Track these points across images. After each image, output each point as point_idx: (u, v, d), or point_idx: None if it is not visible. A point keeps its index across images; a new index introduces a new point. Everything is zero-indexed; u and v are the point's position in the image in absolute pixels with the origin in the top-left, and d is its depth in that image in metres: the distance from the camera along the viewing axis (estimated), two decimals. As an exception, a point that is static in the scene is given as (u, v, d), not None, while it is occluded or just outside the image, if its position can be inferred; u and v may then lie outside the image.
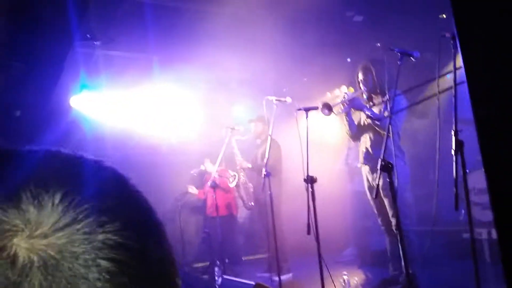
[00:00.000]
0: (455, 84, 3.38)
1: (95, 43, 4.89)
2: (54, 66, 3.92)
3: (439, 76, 3.56)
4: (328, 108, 4.12)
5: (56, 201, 0.41)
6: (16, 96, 4.07)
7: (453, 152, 3.08)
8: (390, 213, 4.04)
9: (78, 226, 0.40)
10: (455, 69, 3.55)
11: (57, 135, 6.39)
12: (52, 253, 0.39)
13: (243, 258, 6.48)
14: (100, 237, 0.41)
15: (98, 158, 0.51)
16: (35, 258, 0.38)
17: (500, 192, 2.02)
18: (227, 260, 5.37)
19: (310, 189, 3.88)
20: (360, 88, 4.38)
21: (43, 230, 0.39)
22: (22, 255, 0.38)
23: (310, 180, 3.89)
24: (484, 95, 2.12)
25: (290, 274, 5.39)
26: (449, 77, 3.64)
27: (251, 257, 6.66)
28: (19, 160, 0.46)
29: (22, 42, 3.45)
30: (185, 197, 6.64)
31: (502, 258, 2.01)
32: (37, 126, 5.47)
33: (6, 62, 3.60)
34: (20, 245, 0.39)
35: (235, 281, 3.81)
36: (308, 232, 3.76)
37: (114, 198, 0.45)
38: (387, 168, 3.24)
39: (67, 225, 0.40)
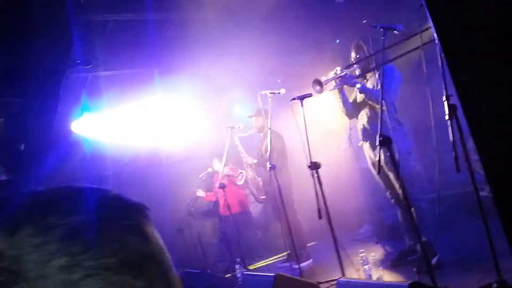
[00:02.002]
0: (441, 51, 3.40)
1: (86, 67, 4.99)
2: (50, 96, 4.02)
3: (423, 44, 3.58)
4: (318, 84, 4.15)
5: None
6: (18, 130, 4.18)
7: (447, 117, 3.13)
8: (396, 185, 4.08)
9: None
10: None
11: (58, 157, 6.50)
12: None
13: (261, 252, 6.56)
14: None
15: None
16: None
17: (489, 152, 2.07)
18: (246, 258, 5.46)
19: (315, 175, 3.95)
20: (353, 66, 4.44)
21: None
22: None
23: (314, 166, 3.96)
24: (461, 61, 2.15)
25: (310, 260, 5.45)
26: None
27: (269, 249, 6.71)
28: None
29: (17, 78, 3.55)
30: (196, 202, 6.73)
31: (500, 216, 2.06)
32: (40, 154, 5.59)
33: (5, 99, 3.71)
34: None
35: (255, 275, 3.88)
36: (320, 217, 3.84)
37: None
38: (386, 143, 3.29)
39: None
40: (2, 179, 5.26)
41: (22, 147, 4.53)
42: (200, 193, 6.54)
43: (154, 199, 7.18)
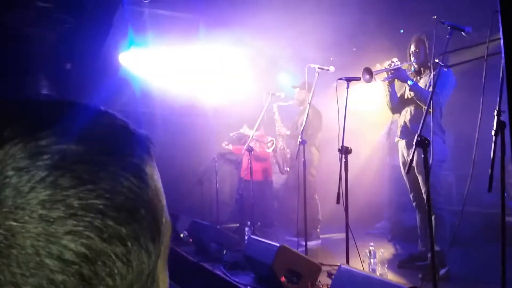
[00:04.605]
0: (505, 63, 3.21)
1: (143, 0, 4.99)
2: (103, 21, 4.06)
3: (488, 55, 3.39)
4: (369, 73, 4.02)
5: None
6: (67, 50, 4.27)
7: (493, 133, 2.99)
8: (423, 190, 3.98)
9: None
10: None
11: (108, 90, 6.67)
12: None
13: (274, 222, 6.61)
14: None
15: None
16: None
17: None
18: (259, 223, 5.50)
19: (343, 160, 3.88)
20: (410, 60, 4.28)
21: None
22: None
23: (344, 151, 3.88)
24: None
25: (319, 241, 5.46)
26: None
27: (282, 222, 6.75)
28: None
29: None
30: (222, 158, 6.79)
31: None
32: (88, 80, 5.74)
33: (58, 16, 3.76)
34: None
35: (261, 241, 3.91)
36: (338, 201, 3.79)
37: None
38: (422, 144, 3.18)
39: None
40: (43, 92, 5.42)
41: (69, 66, 4.63)
42: (228, 146, 6.58)
43: (184, 147, 7.31)
